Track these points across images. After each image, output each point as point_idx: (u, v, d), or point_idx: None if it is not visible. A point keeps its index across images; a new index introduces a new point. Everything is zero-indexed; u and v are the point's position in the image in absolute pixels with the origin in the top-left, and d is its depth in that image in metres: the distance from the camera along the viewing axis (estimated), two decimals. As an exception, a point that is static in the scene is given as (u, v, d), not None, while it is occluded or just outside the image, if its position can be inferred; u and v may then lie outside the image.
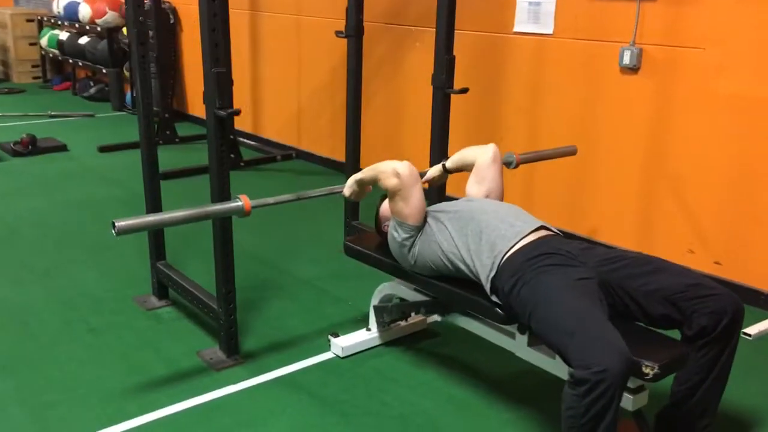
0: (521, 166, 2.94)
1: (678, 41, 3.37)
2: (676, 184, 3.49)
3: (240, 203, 2.36)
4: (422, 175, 2.81)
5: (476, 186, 2.64)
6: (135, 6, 2.83)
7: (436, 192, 3.34)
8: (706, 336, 2.07)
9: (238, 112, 2.46)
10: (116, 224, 2.16)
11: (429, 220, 2.48)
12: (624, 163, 3.69)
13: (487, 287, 2.26)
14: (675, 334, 2.15)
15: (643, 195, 3.65)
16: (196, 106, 7.22)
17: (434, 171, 2.84)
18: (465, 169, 2.74)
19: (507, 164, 2.90)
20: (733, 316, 2.06)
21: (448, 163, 2.79)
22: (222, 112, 2.47)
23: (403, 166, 2.43)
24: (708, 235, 3.42)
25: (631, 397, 2.06)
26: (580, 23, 3.74)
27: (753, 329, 2.38)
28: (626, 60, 3.54)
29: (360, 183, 2.57)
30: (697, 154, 3.39)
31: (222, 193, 2.62)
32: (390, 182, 2.43)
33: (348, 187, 2.62)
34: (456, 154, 2.78)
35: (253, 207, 2.38)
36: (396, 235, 2.49)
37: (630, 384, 2.02)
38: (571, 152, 3.19)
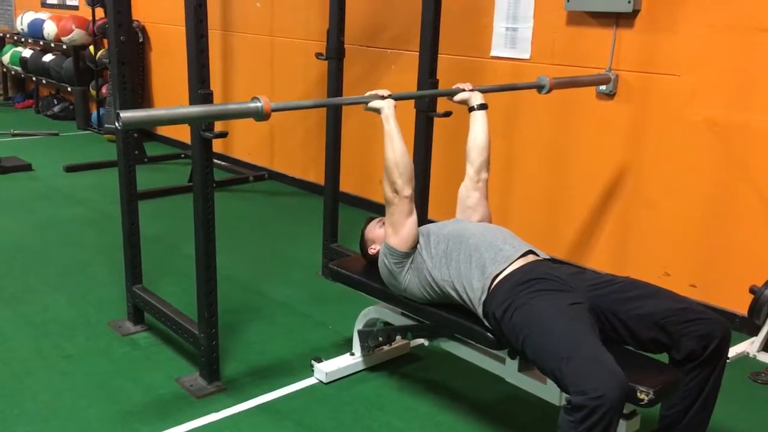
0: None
1: (653, 68, 3.44)
2: (652, 207, 3.55)
3: (260, 104, 2.16)
4: (455, 92, 2.72)
5: (467, 212, 2.64)
6: (117, 24, 2.78)
7: (418, 215, 3.32)
8: (695, 360, 2.09)
9: (225, 134, 2.42)
10: (121, 115, 1.96)
11: (419, 243, 2.46)
12: (599, 187, 3.74)
13: (480, 311, 2.25)
14: (662, 357, 2.17)
15: (618, 218, 3.70)
16: (164, 126, 7.13)
17: (465, 98, 2.72)
18: (469, 137, 2.68)
19: (539, 88, 2.89)
20: (721, 340, 2.09)
21: (477, 108, 2.69)
22: (208, 134, 2.42)
23: (404, 194, 2.40)
24: (683, 258, 3.48)
25: (624, 422, 2.07)
26: (557, 49, 3.79)
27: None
28: (602, 86, 3.60)
29: (374, 111, 2.52)
30: (671, 179, 3.45)
31: (206, 215, 2.57)
32: (388, 192, 2.43)
33: (372, 106, 2.52)
34: (484, 127, 2.68)
35: (274, 110, 2.19)
36: (386, 261, 2.47)
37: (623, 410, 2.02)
38: (606, 80, 3.35)
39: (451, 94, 2.76)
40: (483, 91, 2.74)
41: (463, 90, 2.73)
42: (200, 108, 2.11)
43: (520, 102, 4.00)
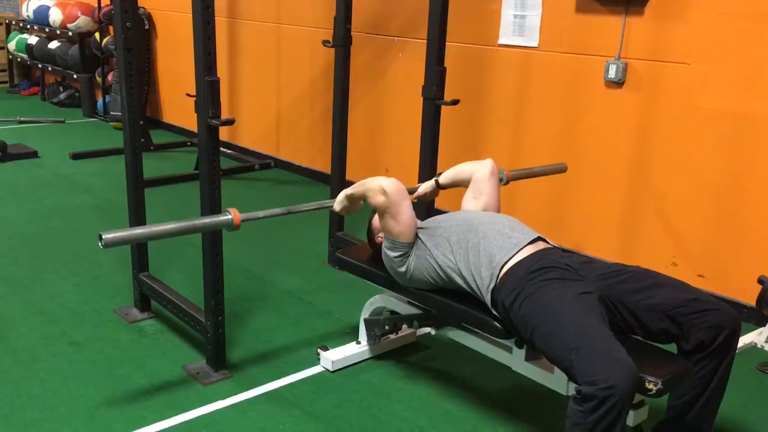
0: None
1: (663, 56, 3.41)
2: (660, 197, 3.53)
3: (229, 217, 2.32)
4: (413, 191, 2.78)
5: (473, 201, 2.62)
6: (123, 11, 2.76)
7: (425, 206, 3.32)
8: (704, 350, 2.08)
9: (232, 122, 2.41)
10: (103, 237, 2.09)
11: (422, 235, 2.45)
12: (608, 176, 3.72)
13: (488, 299, 2.24)
14: (671, 347, 2.16)
15: (626, 208, 3.68)
16: (170, 114, 7.13)
17: (426, 187, 2.81)
18: (459, 184, 2.72)
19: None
20: (731, 330, 2.08)
21: (442, 179, 2.76)
22: (215, 121, 2.41)
23: (389, 183, 2.40)
24: (691, 248, 3.46)
25: (631, 412, 2.06)
26: (566, 37, 3.76)
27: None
28: (611, 74, 3.57)
29: (350, 198, 2.55)
30: (681, 168, 3.43)
31: (213, 203, 2.56)
32: (377, 199, 2.41)
33: (338, 203, 2.59)
34: (450, 169, 2.75)
35: (243, 221, 2.34)
36: (389, 253, 2.46)
37: (631, 399, 2.02)
38: (561, 170, 3.20)
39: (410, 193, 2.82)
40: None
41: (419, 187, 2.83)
42: (176, 225, 2.23)
43: (529, 90, 3.97)
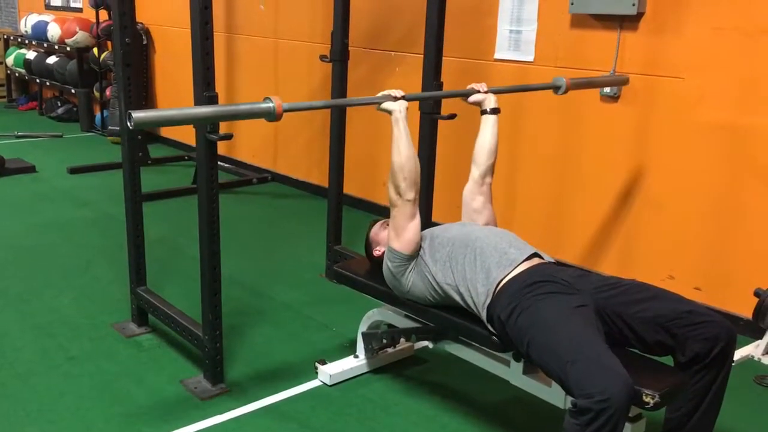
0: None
1: (658, 71, 3.44)
2: (657, 210, 3.54)
3: (271, 105, 2.17)
4: (468, 94, 2.69)
5: (471, 216, 2.65)
6: (122, 26, 2.78)
7: (423, 217, 3.32)
8: (700, 362, 2.09)
9: (230, 137, 2.42)
10: (133, 116, 1.97)
11: (422, 247, 2.46)
12: (604, 190, 3.73)
13: (484, 315, 2.24)
14: (668, 360, 2.17)
15: (623, 221, 3.69)
16: (168, 128, 7.15)
17: (480, 100, 2.69)
18: (481, 131, 2.68)
19: (556, 89, 2.87)
20: (727, 342, 2.09)
21: (489, 114, 2.67)
22: (213, 136, 2.42)
23: (408, 197, 2.38)
24: (688, 260, 3.47)
25: (629, 425, 2.06)
26: (561, 51, 3.79)
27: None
28: (606, 88, 3.59)
29: (386, 112, 2.47)
30: (677, 182, 3.45)
31: (211, 217, 2.57)
32: (391, 191, 2.42)
33: (383, 108, 2.46)
34: (497, 125, 2.69)
35: (285, 110, 2.20)
36: (390, 264, 2.47)
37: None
38: (623, 81, 3.23)
39: (465, 95, 2.72)
40: (497, 92, 2.72)
41: (478, 91, 2.71)
42: (212, 108, 2.13)
43: (525, 104, 3.99)
